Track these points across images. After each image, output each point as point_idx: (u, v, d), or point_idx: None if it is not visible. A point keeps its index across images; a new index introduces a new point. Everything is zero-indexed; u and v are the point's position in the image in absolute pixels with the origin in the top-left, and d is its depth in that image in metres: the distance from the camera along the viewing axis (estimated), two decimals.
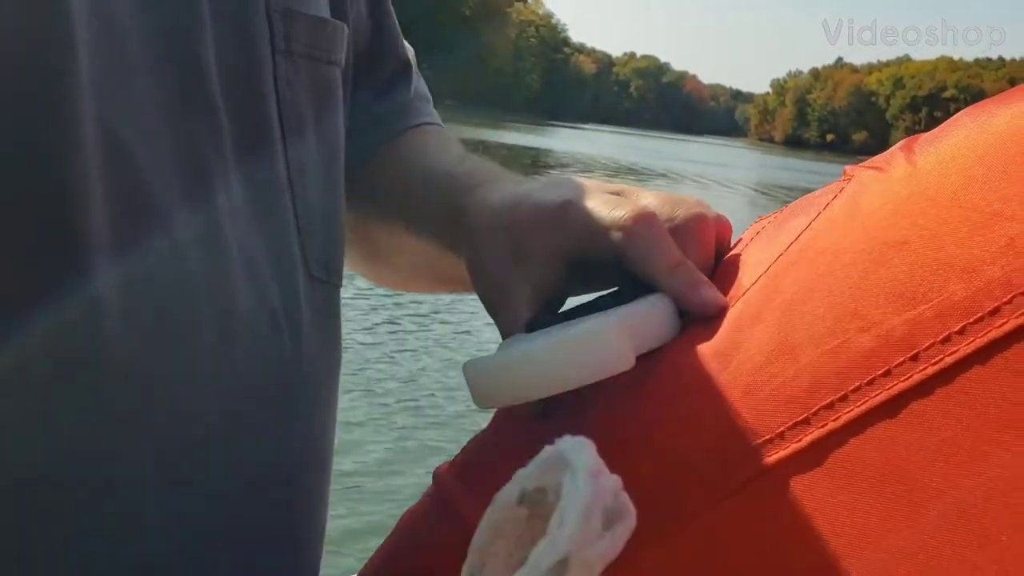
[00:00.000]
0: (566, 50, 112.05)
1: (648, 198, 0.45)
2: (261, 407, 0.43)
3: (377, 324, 4.84)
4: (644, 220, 0.42)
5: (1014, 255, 0.32)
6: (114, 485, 0.37)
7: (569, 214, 0.43)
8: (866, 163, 0.39)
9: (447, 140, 0.60)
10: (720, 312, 0.39)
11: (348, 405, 3.56)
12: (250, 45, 0.44)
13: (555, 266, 0.44)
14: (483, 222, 0.46)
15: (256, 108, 0.44)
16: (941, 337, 0.32)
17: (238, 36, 0.43)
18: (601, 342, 0.37)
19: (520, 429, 0.44)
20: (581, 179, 0.47)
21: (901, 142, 0.38)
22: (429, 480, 0.47)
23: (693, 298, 0.40)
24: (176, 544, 0.39)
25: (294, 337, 0.44)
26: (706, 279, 0.41)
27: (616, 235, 0.42)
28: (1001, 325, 0.31)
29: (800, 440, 0.34)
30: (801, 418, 0.34)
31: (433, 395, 3.94)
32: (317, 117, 0.47)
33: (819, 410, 0.34)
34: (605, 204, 0.43)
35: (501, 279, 0.45)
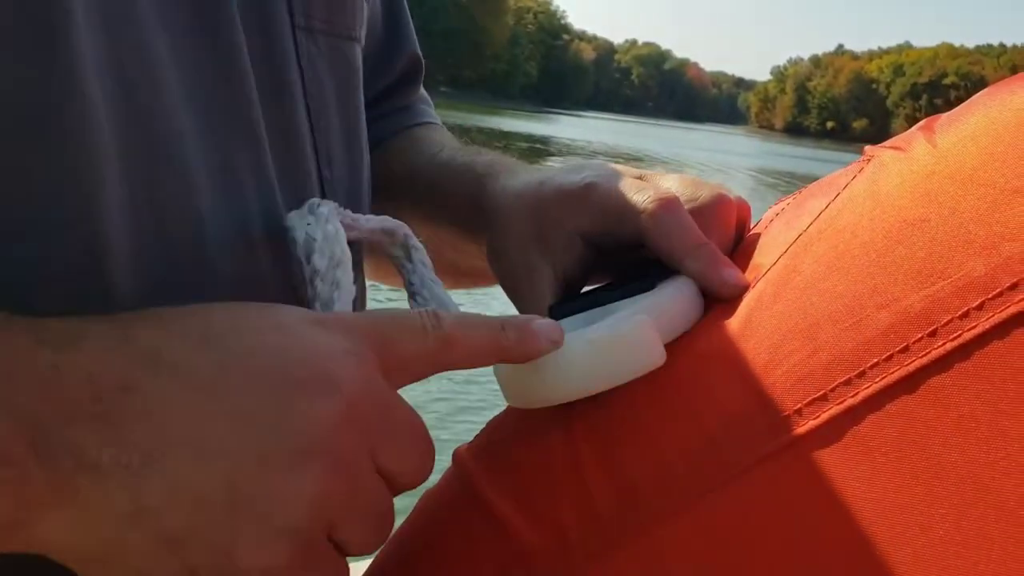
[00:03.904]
0: (565, 37, 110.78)
1: (670, 181, 0.45)
2: None
3: None
4: (667, 203, 0.42)
5: None
6: None
7: (591, 196, 0.44)
8: (886, 143, 0.39)
9: (454, 138, 0.60)
10: (742, 292, 0.40)
11: None
12: (268, 21, 0.41)
13: (577, 249, 0.44)
14: (507, 204, 0.46)
15: (280, 89, 0.42)
16: (960, 312, 0.33)
17: (256, 12, 0.40)
18: (635, 344, 0.38)
19: (541, 410, 0.44)
20: (604, 163, 0.47)
21: (921, 122, 0.38)
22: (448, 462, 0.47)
23: (715, 278, 0.40)
24: None
25: None
26: (728, 259, 0.41)
27: (639, 217, 0.42)
28: (1020, 300, 0.31)
29: (818, 416, 0.34)
30: (819, 394, 0.35)
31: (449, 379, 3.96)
32: (339, 96, 0.46)
33: (837, 386, 0.34)
34: (628, 187, 0.43)
35: (525, 261, 0.45)
